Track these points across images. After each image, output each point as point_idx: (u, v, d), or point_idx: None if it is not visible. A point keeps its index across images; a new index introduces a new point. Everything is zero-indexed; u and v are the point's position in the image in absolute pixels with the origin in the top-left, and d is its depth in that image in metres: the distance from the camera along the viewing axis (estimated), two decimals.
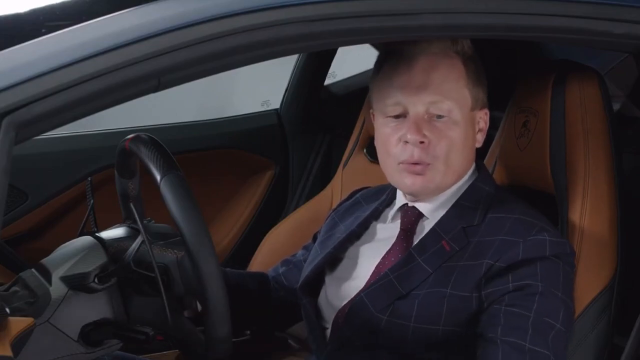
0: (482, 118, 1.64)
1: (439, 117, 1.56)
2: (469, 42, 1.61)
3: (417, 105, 1.55)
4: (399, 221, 1.66)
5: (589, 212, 1.62)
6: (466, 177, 1.64)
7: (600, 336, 1.60)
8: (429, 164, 1.56)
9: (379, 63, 1.64)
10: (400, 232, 1.65)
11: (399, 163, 1.58)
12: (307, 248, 1.90)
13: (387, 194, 1.74)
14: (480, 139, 1.64)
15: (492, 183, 1.66)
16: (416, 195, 1.63)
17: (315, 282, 1.74)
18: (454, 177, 1.60)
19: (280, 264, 1.92)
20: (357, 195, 1.86)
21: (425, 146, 1.55)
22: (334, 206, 1.93)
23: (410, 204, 1.65)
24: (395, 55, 1.59)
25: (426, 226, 1.62)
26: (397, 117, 1.58)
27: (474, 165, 1.66)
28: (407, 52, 1.58)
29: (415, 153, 1.55)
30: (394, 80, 1.58)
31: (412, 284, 1.54)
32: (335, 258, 1.72)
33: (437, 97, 1.55)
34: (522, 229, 1.52)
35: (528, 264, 1.49)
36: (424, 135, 1.54)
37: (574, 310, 1.55)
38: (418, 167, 1.56)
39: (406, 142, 1.56)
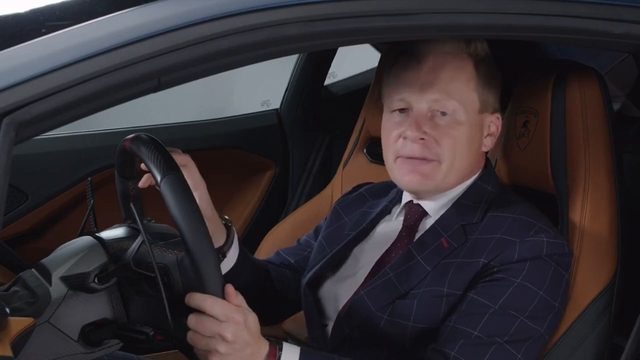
0: (494, 122, 1.63)
1: (443, 114, 1.56)
2: (483, 44, 1.61)
3: (421, 102, 1.56)
4: (402, 218, 1.67)
5: (589, 212, 1.62)
6: (472, 178, 1.64)
7: (600, 336, 1.60)
8: (433, 161, 1.56)
9: (390, 63, 1.65)
10: (402, 228, 1.65)
11: (397, 157, 1.59)
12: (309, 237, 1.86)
13: (395, 191, 1.74)
14: (488, 143, 1.63)
15: (496, 182, 1.66)
16: (416, 193, 1.63)
17: (321, 279, 1.73)
18: (456, 178, 1.60)
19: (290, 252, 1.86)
20: (362, 189, 1.86)
21: (425, 143, 1.55)
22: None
23: (415, 201, 1.65)
24: (406, 55, 1.60)
25: (428, 224, 1.63)
26: (402, 111, 1.59)
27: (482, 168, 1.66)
28: (418, 52, 1.59)
29: (416, 149, 1.56)
30: (402, 78, 1.59)
31: (411, 283, 1.54)
32: (342, 256, 1.72)
33: (442, 95, 1.55)
34: (521, 229, 1.52)
35: (519, 263, 1.49)
36: (424, 132, 1.55)
37: (560, 311, 1.54)
38: (416, 162, 1.56)
39: (406, 137, 1.56)
